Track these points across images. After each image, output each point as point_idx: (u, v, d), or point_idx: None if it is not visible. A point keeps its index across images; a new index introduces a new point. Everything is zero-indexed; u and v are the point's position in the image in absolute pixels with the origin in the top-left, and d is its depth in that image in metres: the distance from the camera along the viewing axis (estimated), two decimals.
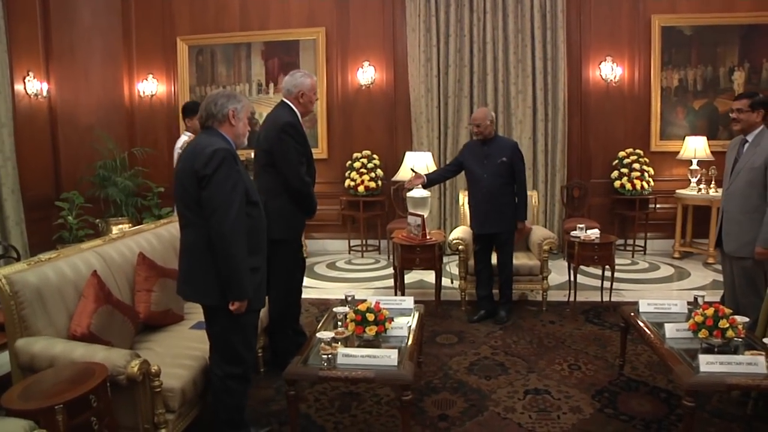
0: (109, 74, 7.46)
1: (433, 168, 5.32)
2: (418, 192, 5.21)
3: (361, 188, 7.20)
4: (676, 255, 6.92)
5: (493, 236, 4.61)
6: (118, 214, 6.89)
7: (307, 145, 3.66)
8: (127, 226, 6.47)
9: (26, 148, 6.53)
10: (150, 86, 7.67)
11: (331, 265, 6.95)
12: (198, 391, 2.78)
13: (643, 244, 7.18)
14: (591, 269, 6.04)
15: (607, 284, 5.05)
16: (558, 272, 6.02)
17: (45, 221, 6.29)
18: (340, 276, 6.41)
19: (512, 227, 4.53)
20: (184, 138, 5.17)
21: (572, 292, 4.95)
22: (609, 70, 7.08)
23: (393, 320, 3.12)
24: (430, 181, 4.75)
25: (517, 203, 4.51)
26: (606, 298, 5.06)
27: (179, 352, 2.93)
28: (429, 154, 5.40)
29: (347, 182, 7.30)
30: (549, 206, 7.17)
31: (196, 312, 3.53)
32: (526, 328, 4.53)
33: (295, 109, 3.65)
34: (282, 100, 3.69)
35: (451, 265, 6.09)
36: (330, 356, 2.79)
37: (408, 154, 5.37)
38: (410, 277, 6.09)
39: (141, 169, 7.38)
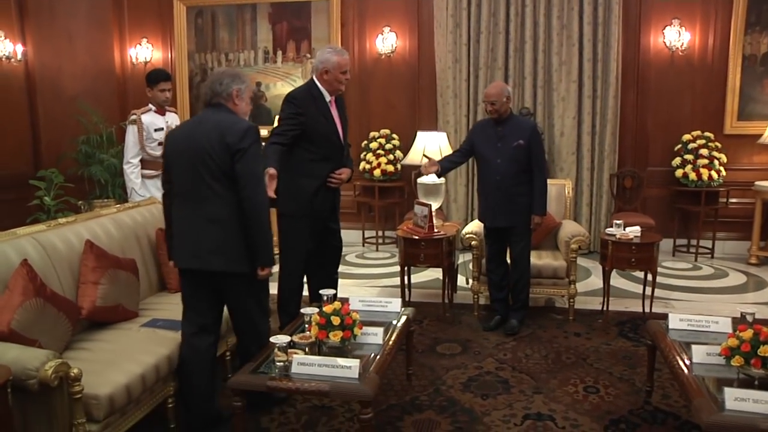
0: (97, 37, 7.59)
1: (448, 152, 5.22)
2: (432, 178, 5.12)
3: (377, 172, 7.15)
4: (753, 260, 6.60)
5: (506, 231, 4.49)
6: (103, 195, 7.02)
7: (316, 118, 3.90)
8: (114, 208, 6.57)
9: None
10: (144, 52, 7.79)
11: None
12: (132, 398, 2.78)
13: (710, 246, 6.89)
14: (638, 273, 5.82)
15: (649, 292, 4.85)
16: (599, 275, 5.83)
17: (20, 202, 6.40)
18: (347, 272, 6.39)
19: (528, 221, 4.39)
20: (173, 117, 5.19)
21: (605, 299, 4.78)
22: (675, 36, 6.79)
23: (364, 325, 3.06)
24: (443, 170, 4.68)
25: (534, 194, 4.37)
26: (648, 309, 4.86)
27: (120, 354, 2.95)
28: (443, 134, 5.30)
29: (362, 165, 7.25)
30: (595, 198, 6.97)
31: (153, 309, 3.57)
32: (544, 339, 4.40)
33: (320, 87, 3.94)
34: (311, 77, 4.01)
35: (469, 263, 5.98)
36: (284, 364, 2.76)
37: (420, 135, 5.28)
38: (425, 275, 6.06)
39: None
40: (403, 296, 4.94)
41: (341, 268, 6.45)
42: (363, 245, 7.51)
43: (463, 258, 6.12)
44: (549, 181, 5.31)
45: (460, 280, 5.47)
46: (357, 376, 2.67)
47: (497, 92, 4.36)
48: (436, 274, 6.02)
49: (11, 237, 3.08)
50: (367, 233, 7.53)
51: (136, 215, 4.00)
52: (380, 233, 7.46)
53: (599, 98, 6.81)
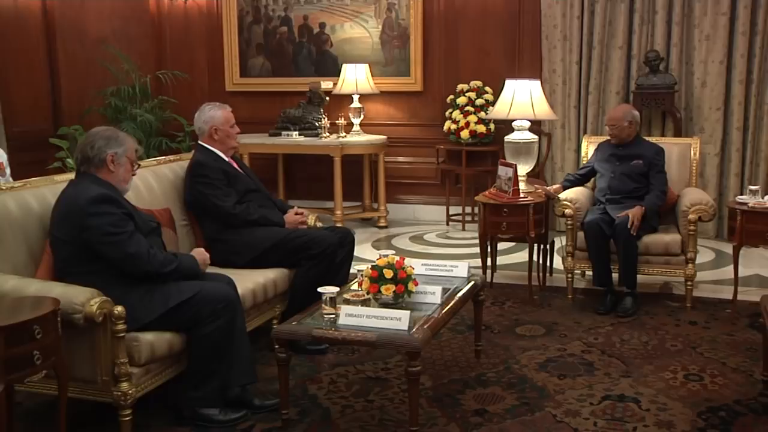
0: None
1: (540, 104, 5.72)
2: (522, 135, 5.72)
3: (464, 133, 7.74)
4: None
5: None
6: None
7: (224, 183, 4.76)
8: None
9: (12, 68, 7.42)
10: None
11: (417, 238, 7.67)
12: (172, 353, 3.64)
13: None
14: None
15: None
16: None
17: (38, 165, 6.88)
18: (422, 251, 7.11)
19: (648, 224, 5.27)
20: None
21: (735, 284, 5.27)
22: None
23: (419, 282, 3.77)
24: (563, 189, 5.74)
25: (647, 199, 5.30)
26: None
27: None
28: (536, 83, 5.64)
29: (447, 125, 7.93)
30: (749, 166, 7.22)
31: None
32: (649, 326, 4.97)
33: (215, 150, 4.82)
34: (198, 143, 4.89)
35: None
36: (332, 317, 3.56)
37: (508, 83, 5.73)
38: (519, 256, 6.65)
39: (169, 100, 8.51)
40: (484, 274, 5.44)
41: (416, 247, 7.17)
42: (447, 224, 8.20)
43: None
44: (669, 139, 6.00)
45: (557, 262, 6.05)
46: (406, 327, 3.39)
47: (619, 115, 5.54)
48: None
49: (51, 183, 3.99)
50: (453, 209, 8.17)
51: (177, 168, 4.96)
52: (471, 209, 7.96)
53: (759, 34, 7.02)
